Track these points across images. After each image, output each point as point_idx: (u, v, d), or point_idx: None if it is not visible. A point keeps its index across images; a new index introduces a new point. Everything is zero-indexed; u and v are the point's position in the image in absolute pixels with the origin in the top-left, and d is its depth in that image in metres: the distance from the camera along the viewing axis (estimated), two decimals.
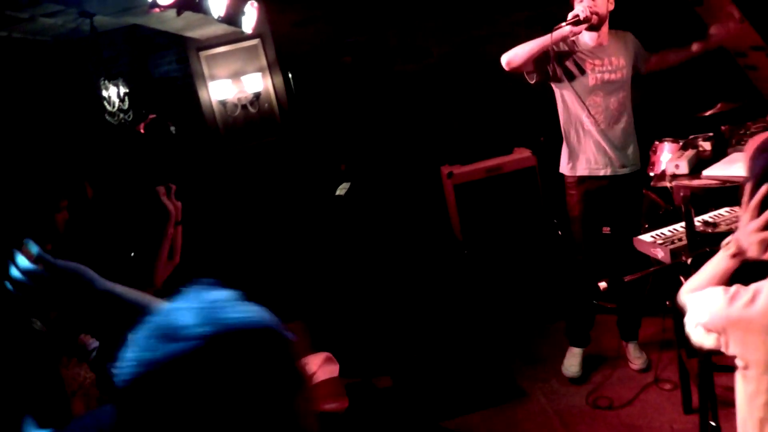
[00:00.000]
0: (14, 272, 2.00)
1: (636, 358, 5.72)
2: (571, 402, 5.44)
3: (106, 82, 7.22)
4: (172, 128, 7.92)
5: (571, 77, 5.35)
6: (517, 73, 5.32)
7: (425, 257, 7.57)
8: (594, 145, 5.40)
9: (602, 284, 5.50)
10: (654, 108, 7.58)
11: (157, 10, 4.60)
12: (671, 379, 5.28)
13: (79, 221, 5.67)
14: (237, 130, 8.18)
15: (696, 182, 5.44)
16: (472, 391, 5.81)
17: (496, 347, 6.38)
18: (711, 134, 6.12)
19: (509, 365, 6.11)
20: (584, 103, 5.33)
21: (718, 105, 6.11)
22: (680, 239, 4.32)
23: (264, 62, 8.00)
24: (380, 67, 8.17)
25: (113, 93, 7.26)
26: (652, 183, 6.21)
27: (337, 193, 7.80)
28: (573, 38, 5.29)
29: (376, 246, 7.53)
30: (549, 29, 7.84)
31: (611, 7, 5.18)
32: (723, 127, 6.13)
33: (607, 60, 5.30)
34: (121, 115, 7.33)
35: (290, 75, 8.06)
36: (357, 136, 8.17)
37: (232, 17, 6.15)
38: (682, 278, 4.19)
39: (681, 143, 6.14)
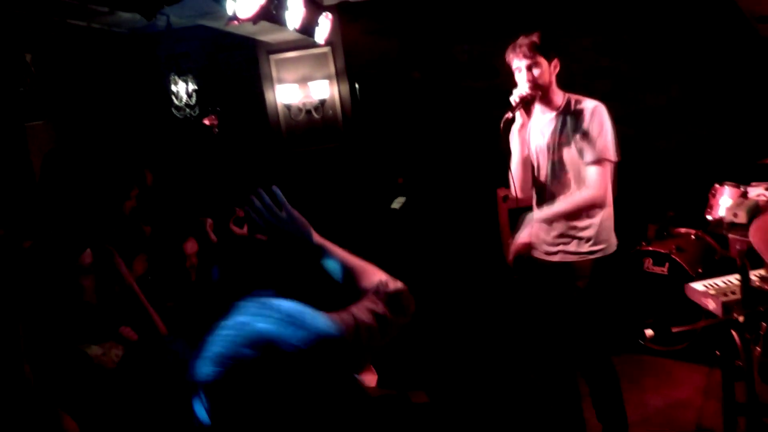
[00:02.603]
0: (258, 204, 2.33)
1: None
2: None
3: (176, 77, 7.35)
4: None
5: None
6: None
7: (473, 278, 7.55)
8: None
9: (648, 332, 5.44)
10: (715, 148, 7.49)
11: (236, 22, 4.68)
12: (714, 430, 5.18)
13: (139, 207, 5.79)
14: (299, 134, 8.28)
15: None
16: (508, 417, 5.78)
17: (537, 375, 6.35)
18: None
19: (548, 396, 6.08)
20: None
21: None
22: (734, 292, 4.22)
23: (332, 69, 8.08)
24: (447, 82, 8.19)
25: (182, 88, 7.38)
26: (709, 228, 6.13)
27: (393, 206, 7.84)
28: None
29: (426, 262, 7.55)
30: (618, 57, 7.87)
31: (555, 71, 4.30)
32: None
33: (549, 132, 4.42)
34: (188, 110, 7.46)
35: (357, 85, 8.11)
36: (417, 150, 8.19)
37: (307, 28, 6.23)
38: (734, 333, 4.15)
39: (742, 189, 5.99)
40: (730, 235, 5.46)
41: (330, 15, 6.82)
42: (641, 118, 7.45)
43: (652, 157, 7.30)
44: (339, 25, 7.74)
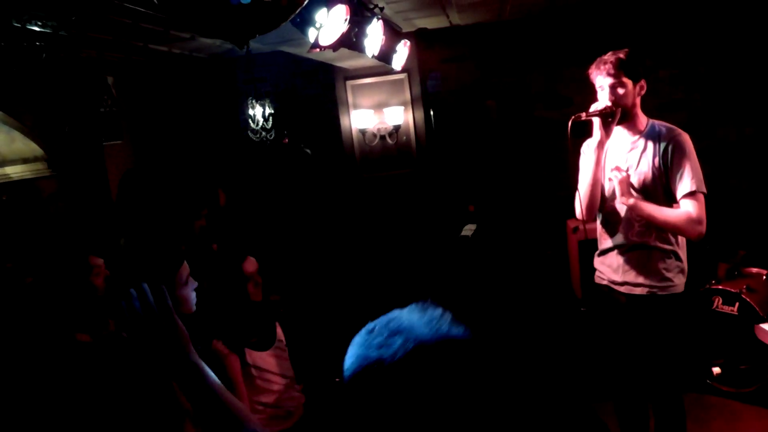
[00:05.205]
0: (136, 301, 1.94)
1: None
2: None
3: (254, 101, 7.44)
4: (307, 150, 8.13)
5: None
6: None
7: (541, 308, 7.49)
8: None
9: (715, 369, 5.33)
10: None
11: (317, 50, 4.73)
12: None
13: (211, 226, 5.86)
14: (373, 159, 8.33)
15: None
16: None
17: (602, 412, 6.26)
18: None
19: None
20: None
21: None
22: None
23: (408, 96, 8.12)
24: (520, 111, 8.18)
25: (259, 112, 7.46)
26: None
27: (463, 233, 7.84)
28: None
29: (494, 290, 7.52)
30: (692, 90, 7.79)
31: (641, 93, 4.12)
32: None
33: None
34: (263, 134, 7.53)
35: (432, 112, 8.15)
36: (489, 178, 8.19)
37: (385, 55, 6.28)
38: None
39: None
40: None
41: (408, 42, 6.86)
42: (714, 153, 7.35)
43: (724, 194, 7.18)
44: (416, 52, 7.80)
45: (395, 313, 1.64)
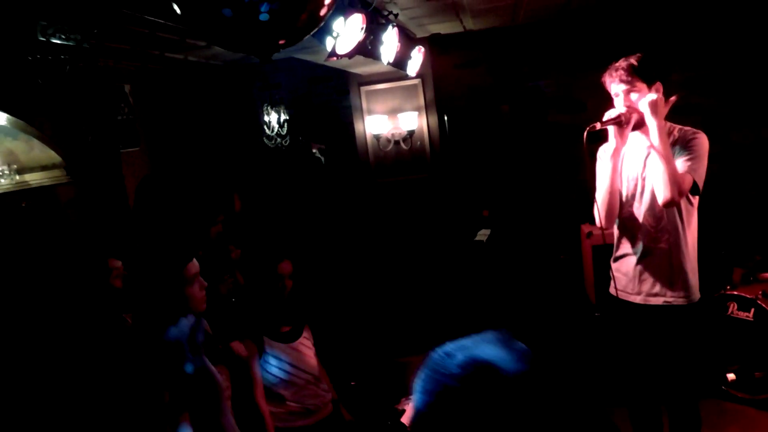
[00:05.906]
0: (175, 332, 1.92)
1: None
2: None
3: (269, 108, 7.50)
4: (315, 151, 8.18)
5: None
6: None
7: (555, 313, 7.49)
8: None
9: (730, 375, 5.30)
10: None
11: (334, 58, 4.77)
12: None
13: (227, 232, 5.91)
14: (387, 165, 8.37)
15: None
16: None
17: (617, 418, 6.24)
18: None
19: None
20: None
21: None
22: None
23: (422, 102, 8.17)
24: (534, 115, 8.19)
25: (274, 119, 7.53)
26: None
27: (477, 238, 7.85)
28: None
29: (508, 295, 7.53)
30: (708, 94, 7.79)
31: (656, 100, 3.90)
32: None
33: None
34: (279, 140, 7.59)
35: (446, 117, 8.17)
36: (503, 183, 8.20)
37: (400, 62, 6.31)
38: None
39: None
40: None
41: (422, 48, 6.90)
42: (729, 157, 7.36)
43: (740, 199, 7.18)
44: (430, 58, 7.83)
45: (478, 345, 1.60)
